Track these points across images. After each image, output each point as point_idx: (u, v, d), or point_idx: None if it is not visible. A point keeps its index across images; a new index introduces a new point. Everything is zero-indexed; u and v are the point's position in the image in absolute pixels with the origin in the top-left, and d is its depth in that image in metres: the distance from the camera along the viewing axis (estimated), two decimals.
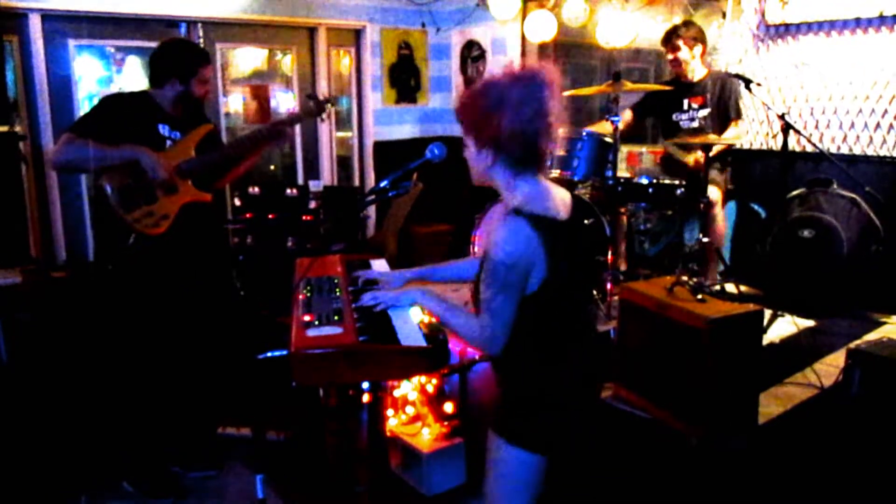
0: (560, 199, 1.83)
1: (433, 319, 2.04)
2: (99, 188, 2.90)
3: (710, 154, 4.11)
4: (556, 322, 1.87)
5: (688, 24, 4.48)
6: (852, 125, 4.45)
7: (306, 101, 3.44)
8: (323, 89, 5.84)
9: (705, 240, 4.12)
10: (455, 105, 1.85)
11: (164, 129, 3.02)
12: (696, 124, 4.48)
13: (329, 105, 3.46)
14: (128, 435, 3.07)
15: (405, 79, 6.37)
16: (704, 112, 4.46)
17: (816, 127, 4.60)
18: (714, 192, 4.28)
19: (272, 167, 5.92)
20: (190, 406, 3.21)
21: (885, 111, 4.30)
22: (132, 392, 3.08)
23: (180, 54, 3.05)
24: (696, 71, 4.51)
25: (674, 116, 4.60)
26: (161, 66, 3.04)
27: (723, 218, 4.47)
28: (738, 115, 4.48)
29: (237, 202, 4.83)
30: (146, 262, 2.95)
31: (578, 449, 1.97)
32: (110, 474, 3.01)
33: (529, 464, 1.86)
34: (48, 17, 4.59)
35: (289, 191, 4.85)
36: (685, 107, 4.55)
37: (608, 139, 4.16)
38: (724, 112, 4.43)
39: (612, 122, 4.13)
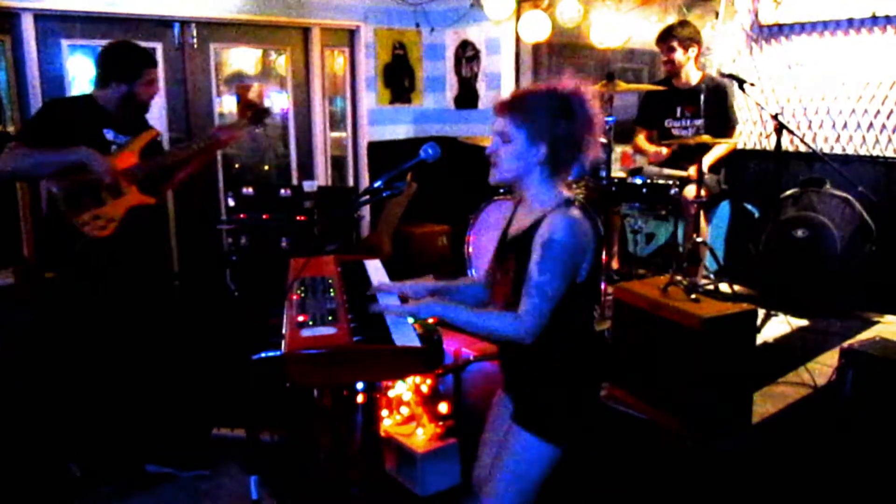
0: None
1: (429, 320, 2.04)
2: (47, 191, 2.92)
3: (706, 165, 4.11)
4: (589, 312, 1.96)
5: (684, 23, 4.46)
6: (845, 125, 4.46)
7: (245, 110, 3.54)
8: (317, 90, 5.84)
9: (699, 239, 4.13)
10: (506, 99, 1.93)
11: (109, 134, 3.05)
12: (689, 133, 4.47)
13: (268, 115, 3.61)
14: (106, 432, 3.08)
15: (399, 79, 6.36)
16: (698, 122, 4.44)
17: (810, 127, 4.61)
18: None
19: (266, 167, 5.91)
20: (180, 406, 3.21)
21: (878, 111, 4.31)
22: (113, 391, 3.09)
23: (125, 56, 3.08)
24: (689, 74, 4.50)
25: (666, 122, 4.60)
26: (106, 68, 3.06)
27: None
28: (735, 125, 4.48)
29: (231, 202, 4.82)
30: (94, 264, 2.97)
31: (591, 444, 2.01)
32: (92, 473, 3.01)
33: (549, 456, 1.91)
34: (41, 16, 4.57)
35: (283, 191, 4.84)
36: (678, 114, 4.55)
37: (602, 139, 4.15)
38: (719, 121, 4.40)
39: (606, 122, 4.13)
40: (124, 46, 3.21)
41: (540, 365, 1.92)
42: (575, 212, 1.84)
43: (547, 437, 1.89)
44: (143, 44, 4.88)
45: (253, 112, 3.54)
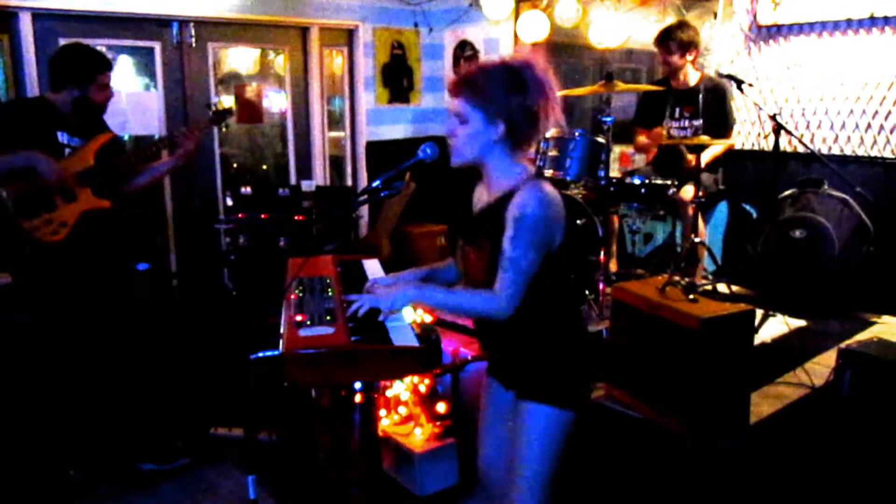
0: None
1: (426, 319, 2.05)
2: None
3: (702, 163, 4.11)
4: (570, 279, 1.96)
5: (683, 25, 4.45)
6: (843, 126, 4.47)
7: (206, 110, 3.54)
8: (315, 89, 5.84)
9: (697, 240, 4.13)
10: (458, 78, 1.93)
11: (63, 137, 3.03)
12: (688, 133, 4.47)
13: (229, 115, 3.56)
14: (101, 432, 3.09)
15: (398, 79, 6.36)
16: (697, 122, 4.44)
17: (808, 127, 4.61)
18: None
19: (264, 167, 5.91)
20: (172, 404, 3.22)
21: (876, 112, 4.31)
22: (103, 392, 3.10)
23: (78, 61, 3.04)
24: (688, 75, 4.50)
25: (665, 123, 4.60)
26: (58, 71, 3.04)
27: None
28: (732, 125, 4.48)
29: (229, 202, 4.82)
30: (45, 269, 2.95)
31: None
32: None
33: (562, 420, 1.92)
34: (39, 15, 4.56)
35: (281, 191, 4.84)
36: (677, 114, 4.55)
37: (600, 139, 4.16)
38: (718, 121, 4.39)
39: (604, 122, 4.14)
40: (78, 49, 3.16)
41: (528, 336, 1.93)
42: (546, 185, 1.85)
43: (553, 401, 1.91)
44: (142, 43, 4.97)
45: (214, 113, 3.52)
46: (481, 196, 2.02)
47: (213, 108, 3.55)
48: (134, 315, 3.26)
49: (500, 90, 1.85)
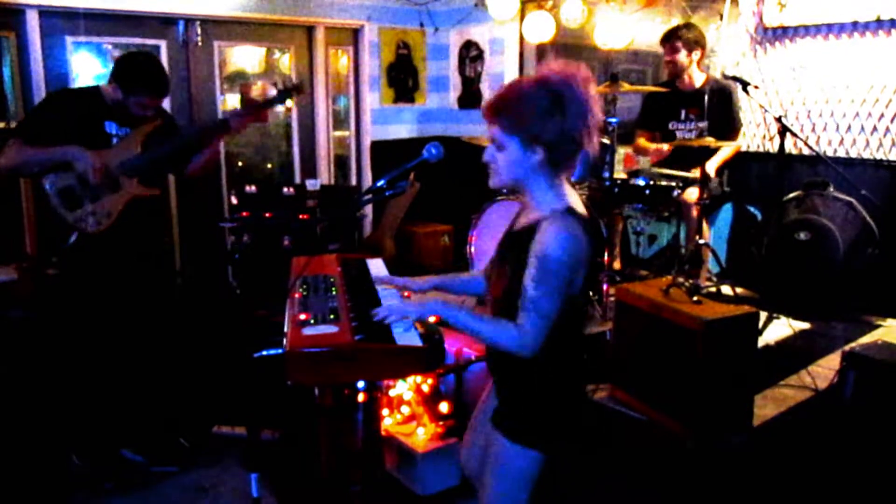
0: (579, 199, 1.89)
1: (429, 319, 2.04)
2: (39, 188, 2.93)
3: (713, 169, 4.09)
4: (578, 321, 1.91)
5: (689, 26, 4.45)
6: (849, 128, 4.45)
7: (269, 87, 3.47)
8: (320, 89, 5.84)
9: (702, 241, 4.12)
10: (492, 102, 1.82)
11: (110, 127, 3.05)
12: (693, 135, 4.45)
13: (296, 91, 3.42)
14: (105, 426, 3.10)
15: (403, 78, 6.37)
16: (702, 124, 4.43)
17: (813, 130, 4.60)
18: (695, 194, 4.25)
19: (269, 166, 5.92)
20: (153, 400, 3.23)
21: (882, 115, 4.30)
22: (112, 386, 3.11)
23: (134, 72, 3.04)
24: (693, 77, 4.49)
25: (670, 125, 4.58)
26: (117, 69, 3.06)
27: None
28: (739, 127, 4.47)
29: (234, 201, 4.83)
30: (89, 259, 2.98)
31: (581, 448, 1.96)
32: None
33: (532, 461, 1.87)
34: (46, 13, 4.58)
35: (286, 190, 4.85)
36: (682, 116, 4.53)
37: (605, 140, 4.15)
38: (724, 123, 4.38)
39: (609, 123, 4.13)
40: (142, 62, 3.13)
41: (519, 369, 1.87)
42: (572, 223, 1.75)
43: (520, 441, 1.86)
44: (147, 41, 4.98)
45: (281, 90, 3.41)
46: (521, 218, 1.93)
47: (280, 87, 3.43)
48: (146, 312, 3.27)
49: (537, 114, 1.74)
